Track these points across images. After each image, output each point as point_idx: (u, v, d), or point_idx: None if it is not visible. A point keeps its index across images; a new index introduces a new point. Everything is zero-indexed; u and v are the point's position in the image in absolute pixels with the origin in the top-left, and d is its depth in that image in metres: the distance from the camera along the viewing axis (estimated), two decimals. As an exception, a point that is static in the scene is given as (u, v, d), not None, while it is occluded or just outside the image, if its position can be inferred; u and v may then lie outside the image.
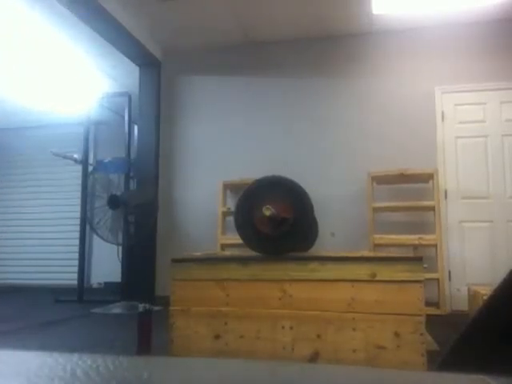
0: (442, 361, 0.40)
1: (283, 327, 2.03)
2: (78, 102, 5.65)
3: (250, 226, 2.18)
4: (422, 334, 1.89)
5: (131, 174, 4.77)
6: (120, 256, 4.39)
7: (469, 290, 3.71)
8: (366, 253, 3.27)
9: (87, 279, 6.41)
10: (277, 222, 2.12)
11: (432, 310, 3.75)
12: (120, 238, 4.19)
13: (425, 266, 2.00)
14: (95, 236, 4.42)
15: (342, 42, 4.79)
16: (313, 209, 2.23)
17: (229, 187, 4.72)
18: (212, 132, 5.03)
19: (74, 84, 5.59)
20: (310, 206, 2.20)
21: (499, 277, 0.39)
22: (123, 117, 5.03)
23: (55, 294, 5.09)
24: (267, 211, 2.07)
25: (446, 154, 4.42)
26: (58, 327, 3.62)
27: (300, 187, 2.23)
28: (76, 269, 5.21)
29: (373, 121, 4.60)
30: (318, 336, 1.99)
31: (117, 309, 3.90)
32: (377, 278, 1.97)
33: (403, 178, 4.18)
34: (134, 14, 4.45)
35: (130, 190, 4.65)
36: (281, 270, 2.10)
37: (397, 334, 1.90)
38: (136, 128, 5.28)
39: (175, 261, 2.26)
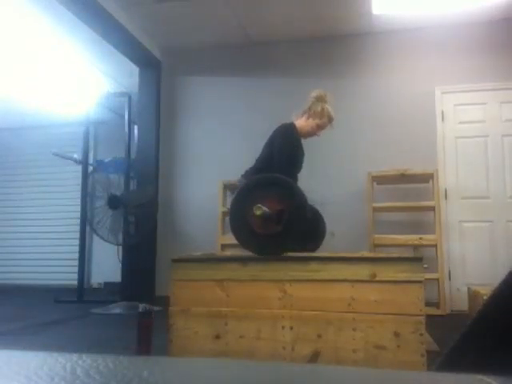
0: (442, 361, 0.40)
1: (283, 327, 2.03)
2: (77, 102, 5.65)
3: (245, 227, 2.15)
4: (421, 334, 1.89)
5: (131, 174, 4.76)
6: (120, 256, 4.39)
7: (469, 290, 3.71)
8: (366, 253, 3.27)
9: (87, 279, 6.40)
10: (271, 220, 2.10)
11: (432, 310, 3.75)
12: (120, 238, 4.19)
13: (425, 266, 2.00)
14: (95, 236, 4.42)
15: (341, 41, 4.79)
16: (306, 201, 2.18)
17: (229, 187, 4.71)
18: (212, 132, 5.03)
19: (74, 84, 5.59)
20: (303, 198, 2.16)
21: (499, 277, 0.39)
22: (123, 117, 5.03)
23: (55, 294, 5.09)
24: (258, 210, 2.05)
25: (446, 154, 4.42)
26: (57, 327, 3.62)
27: (288, 181, 2.20)
28: (76, 269, 5.21)
29: (373, 121, 4.60)
30: (318, 336, 1.98)
31: (117, 309, 3.90)
32: (377, 279, 1.97)
33: (403, 178, 4.18)
34: (134, 14, 4.46)
35: (130, 190, 4.64)
36: (281, 270, 2.09)
37: (397, 334, 1.90)
38: (136, 128, 5.28)
39: (175, 261, 2.26)
